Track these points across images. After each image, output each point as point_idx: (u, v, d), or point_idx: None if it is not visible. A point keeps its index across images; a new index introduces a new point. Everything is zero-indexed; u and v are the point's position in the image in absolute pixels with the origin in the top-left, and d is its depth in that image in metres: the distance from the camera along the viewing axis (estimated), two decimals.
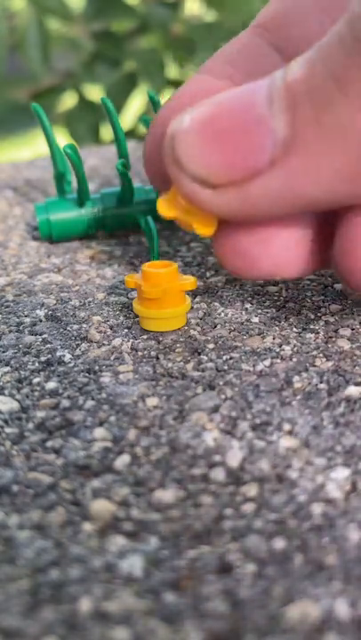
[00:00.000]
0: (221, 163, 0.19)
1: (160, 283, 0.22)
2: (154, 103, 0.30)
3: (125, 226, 0.31)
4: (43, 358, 0.22)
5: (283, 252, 0.20)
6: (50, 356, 0.22)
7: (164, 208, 0.21)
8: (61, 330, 0.23)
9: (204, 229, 0.20)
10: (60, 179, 0.31)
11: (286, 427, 0.19)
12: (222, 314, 0.24)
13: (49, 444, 0.18)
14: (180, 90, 0.24)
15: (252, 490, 0.17)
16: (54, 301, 0.25)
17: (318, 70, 0.17)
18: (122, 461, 0.18)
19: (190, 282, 0.23)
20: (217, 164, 0.19)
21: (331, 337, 0.22)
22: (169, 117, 0.21)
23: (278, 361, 0.21)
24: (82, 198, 0.30)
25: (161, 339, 0.23)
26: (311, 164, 0.18)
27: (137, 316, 0.24)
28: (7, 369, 0.21)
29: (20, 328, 0.24)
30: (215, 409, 0.19)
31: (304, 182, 0.18)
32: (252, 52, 0.24)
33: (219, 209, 0.19)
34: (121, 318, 0.24)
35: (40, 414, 0.19)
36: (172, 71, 0.89)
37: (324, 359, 0.21)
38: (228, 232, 0.20)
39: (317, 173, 0.18)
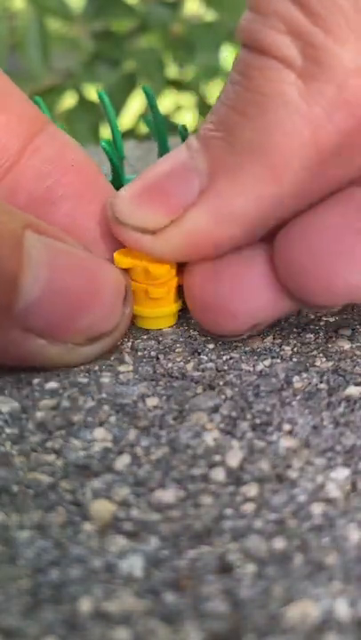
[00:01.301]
0: (154, 208, 0.21)
1: (166, 281, 0.22)
2: (149, 97, 0.30)
3: None
4: None
5: (254, 290, 0.21)
6: None
7: (119, 260, 0.22)
8: None
9: (159, 269, 0.22)
10: None
11: (286, 427, 0.19)
12: None
13: (49, 444, 0.18)
14: None
15: (252, 490, 0.17)
16: None
17: (220, 109, 0.20)
18: (122, 461, 0.18)
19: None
20: (151, 211, 0.21)
21: (331, 337, 0.22)
22: None
23: (278, 361, 0.21)
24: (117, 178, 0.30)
25: (161, 339, 0.23)
26: (235, 179, 0.20)
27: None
28: (7, 369, 0.21)
29: None
30: (215, 409, 0.19)
31: (234, 199, 0.20)
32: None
33: (164, 251, 0.21)
34: None
35: (40, 414, 0.19)
36: (172, 71, 0.89)
37: (324, 359, 0.21)
38: (196, 289, 0.22)
39: (243, 187, 0.20)
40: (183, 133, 0.30)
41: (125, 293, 0.21)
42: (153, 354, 0.22)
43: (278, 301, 0.21)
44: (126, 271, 0.22)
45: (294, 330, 0.23)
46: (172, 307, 0.23)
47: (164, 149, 0.31)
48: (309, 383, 0.20)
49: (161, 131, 0.30)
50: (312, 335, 0.23)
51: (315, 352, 0.22)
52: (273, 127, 0.19)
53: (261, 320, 0.21)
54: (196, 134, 0.21)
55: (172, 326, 0.23)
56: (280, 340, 0.22)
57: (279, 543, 0.15)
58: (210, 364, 0.21)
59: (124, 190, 0.21)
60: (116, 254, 0.22)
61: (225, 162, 0.20)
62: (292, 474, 0.17)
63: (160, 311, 0.23)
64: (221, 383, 0.20)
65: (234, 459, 0.18)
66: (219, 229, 0.20)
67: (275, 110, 0.19)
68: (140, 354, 0.22)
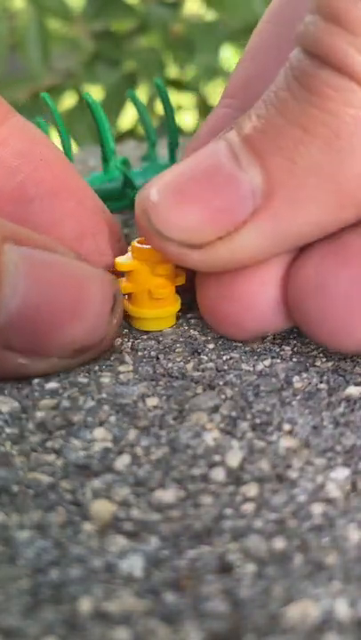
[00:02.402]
0: (204, 221, 0.19)
1: (170, 281, 0.22)
2: (161, 91, 0.30)
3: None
4: None
5: (268, 311, 0.21)
6: None
7: (121, 263, 0.22)
8: None
9: (165, 269, 0.22)
10: None
11: (286, 427, 0.19)
12: None
13: (49, 444, 0.18)
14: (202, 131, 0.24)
15: (252, 490, 0.17)
16: None
17: (275, 119, 0.18)
18: (122, 461, 0.18)
19: (181, 276, 0.23)
20: (199, 224, 0.19)
21: None
22: None
23: (278, 361, 0.21)
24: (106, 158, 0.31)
25: (161, 339, 0.23)
26: (296, 202, 0.18)
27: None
28: None
29: None
30: (215, 409, 0.19)
31: (292, 220, 0.19)
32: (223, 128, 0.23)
33: (209, 265, 0.20)
34: None
35: (40, 414, 0.19)
36: (172, 71, 0.89)
37: (324, 359, 0.21)
38: (208, 302, 0.21)
39: (304, 209, 0.18)
40: (134, 98, 0.30)
41: (114, 302, 0.20)
42: (153, 354, 0.22)
43: (290, 319, 0.21)
44: (126, 275, 0.22)
45: (294, 330, 0.23)
46: (173, 307, 0.23)
47: (174, 143, 0.31)
48: (309, 383, 0.20)
49: (171, 125, 0.31)
50: None
51: (315, 352, 0.22)
52: (346, 154, 0.17)
53: (272, 331, 0.21)
54: (237, 132, 0.19)
55: (172, 327, 0.23)
56: (280, 340, 0.22)
57: (279, 543, 0.15)
58: (210, 364, 0.21)
59: (158, 194, 0.19)
60: (117, 259, 0.22)
61: (285, 181, 0.18)
62: (292, 474, 0.17)
63: (162, 312, 0.23)
64: (221, 383, 0.20)
65: (234, 459, 0.18)
66: (270, 250, 0.19)
67: (349, 136, 0.17)
68: (140, 354, 0.22)
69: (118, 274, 0.22)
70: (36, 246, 0.20)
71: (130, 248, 0.23)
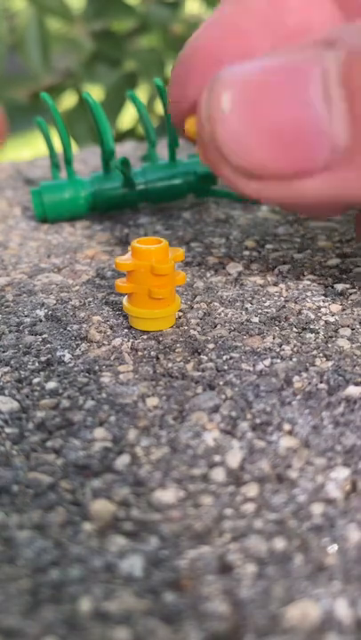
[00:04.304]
0: (270, 160, 0.17)
1: (169, 281, 0.22)
2: (161, 91, 0.30)
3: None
4: (43, 358, 0.22)
5: None
6: (50, 355, 0.22)
7: (121, 263, 0.22)
8: (61, 330, 0.23)
9: (165, 267, 0.21)
10: (69, 164, 0.32)
11: (286, 427, 0.19)
12: (222, 314, 0.24)
13: (49, 444, 0.18)
14: (213, 21, 0.21)
15: (252, 490, 0.17)
16: (54, 301, 0.25)
17: None
18: (122, 461, 0.18)
19: (181, 277, 0.23)
20: (265, 161, 0.17)
21: (331, 337, 0.22)
22: (200, 57, 0.20)
23: (278, 361, 0.21)
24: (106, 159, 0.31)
25: (161, 339, 0.23)
26: None
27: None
28: (7, 369, 0.21)
29: (20, 328, 0.24)
30: (215, 409, 0.19)
31: (357, 189, 0.17)
32: None
33: (259, 196, 0.18)
34: (121, 318, 0.24)
35: (40, 414, 0.19)
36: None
37: (324, 359, 0.21)
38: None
39: None
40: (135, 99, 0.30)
41: None
42: (153, 354, 0.22)
43: None
44: (128, 274, 0.22)
45: (294, 330, 0.23)
46: (172, 307, 0.23)
47: (174, 143, 0.32)
48: (309, 383, 0.20)
49: (171, 125, 0.31)
50: (312, 335, 0.23)
51: (315, 352, 0.22)
52: None
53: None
54: (338, 61, 0.16)
55: (172, 327, 0.23)
56: (280, 340, 0.22)
57: (279, 543, 0.15)
58: (210, 364, 0.21)
59: (233, 105, 0.17)
60: (117, 259, 0.22)
61: None
62: (292, 474, 0.17)
63: (161, 312, 0.23)
64: (221, 383, 0.20)
65: (234, 459, 0.18)
66: (328, 205, 0.18)
67: None
68: (140, 354, 0.22)
69: (118, 273, 0.22)
70: None
71: (130, 248, 0.23)
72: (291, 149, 0.17)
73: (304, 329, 0.23)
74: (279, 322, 0.23)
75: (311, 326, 0.23)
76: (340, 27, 0.18)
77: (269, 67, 0.18)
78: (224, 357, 0.22)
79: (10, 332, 0.23)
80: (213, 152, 0.18)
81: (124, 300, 0.23)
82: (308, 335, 0.23)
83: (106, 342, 0.23)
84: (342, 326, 0.23)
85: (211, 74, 0.19)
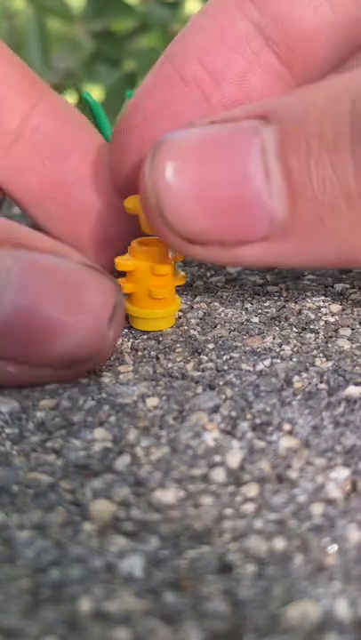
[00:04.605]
0: (211, 229, 0.18)
1: (170, 281, 0.22)
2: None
3: None
4: None
5: None
6: None
7: (121, 263, 0.22)
8: None
9: (165, 268, 0.21)
10: None
11: (286, 427, 0.19)
12: (222, 314, 0.24)
13: (49, 444, 0.18)
14: (148, 86, 0.22)
15: (252, 490, 0.17)
16: None
17: (325, 171, 0.17)
18: (122, 461, 0.18)
19: (181, 277, 0.23)
20: (206, 230, 0.18)
21: (331, 337, 0.22)
22: (139, 126, 0.21)
23: (278, 361, 0.21)
24: None
25: (161, 339, 0.23)
26: (307, 250, 0.18)
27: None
28: None
29: None
30: (215, 409, 0.19)
31: (297, 258, 0.18)
32: (231, 42, 0.21)
33: (203, 260, 0.19)
34: None
35: (40, 414, 0.19)
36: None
37: (324, 359, 0.21)
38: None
39: (312, 256, 0.18)
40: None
41: (113, 313, 0.19)
42: (153, 354, 0.22)
43: None
44: (128, 274, 0.22)
45: (294, 330, 0.23)
46: (172, 307, 0.23)
47: None
48: (309, 383, 0.20)
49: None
50: (312, 335, 0.23)
51: (315, 352, 0.22)
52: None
53: None
54: (275, 154, 0.17)
55: (172, 327, 0.23)
56: (280, 340, 0.22)
57: (279, 543, 0.15)
58: (210, 364, 0.21)
59: (175, 177, 0.18)
60: (117, 259, 0.22)
61: (306, 231, 0.17)
62: (292, 474, 0.17)
63: (162, 312, 0.23)
64: (221, 383, 0.20)
65: (234, 459, 0.18)
66: (268, 266, 0.19)
67: None
68: (140, 354, 0.22)
69: (118, 273, 0.22)
70: (36, 249, 0.18)
71: (129, 248, 0.23)
72: (231, 220, 0.18)
73: (304, 329, 0.23)
74: (279, 322, 0.23)
75: (311, 326, 0.23)
76: (275, 99, 0.19)
77: (210, 138, 0.18)
78: (224, 357, 0.22)
79: None
80: (158, 219, 0.19)
81: (124, 300, 0.23)
82: (308, 335, 0.23)
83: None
84: (342, 326, 0.23)
85: (148, 143, 0.20)
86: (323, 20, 0.20)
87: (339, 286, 0.26)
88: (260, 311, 0.24)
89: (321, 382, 0.20)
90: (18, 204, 0.23)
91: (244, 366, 0.21)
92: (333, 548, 0.15)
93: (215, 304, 0.25)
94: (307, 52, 0.20)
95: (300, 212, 0.17)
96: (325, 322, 0.23)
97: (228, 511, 0.16)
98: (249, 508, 0.16)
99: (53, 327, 0.18)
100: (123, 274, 0.23)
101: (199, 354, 0.22)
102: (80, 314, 0.18)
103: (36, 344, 0.18)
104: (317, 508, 0.16)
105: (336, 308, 0.24)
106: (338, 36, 0.20)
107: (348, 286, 0.26)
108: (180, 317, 0.24)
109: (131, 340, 0.23)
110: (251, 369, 0.21)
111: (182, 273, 0.23)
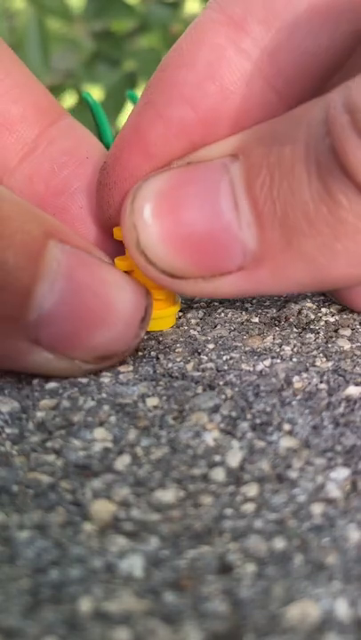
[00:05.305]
0: (188, 265, 0.19)
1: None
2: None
3: None
4: None
5: None
6: None
7: (120, 263, 0.22)
8: None
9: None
10: None
11: (286, 427, 0.19)
12: (222, 314, 0.24)
13: (49, 444, 0.18)
14: (130, 136, 0.21)
15: (252, 490, 0.17)
16: None
17: (286, 196, 0.18)
18: (122, 461, 0.18)
19: None
20: (183, 266, 0.19)
21: (331, 337, 0.22)
22: (119, 182, 0.21)
23: (278, 361, 0.21)
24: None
25: (161, 339, 0.23)
26: (280, 275, 0.19)
27: None
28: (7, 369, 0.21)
29: None
30: (215, 409, 0.19)
31: (272, 286, 0.19)
32: (223, 80, 0.20)
33: (183, 293, 0.20)
34: None
35: (40, 414, 0.19)
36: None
37: (324, 359, 0.21)
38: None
39: (285, 281, 0.19)
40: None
41: (144, 315, 0.20)
42: (153, 354, 0.22)
43: None
44: (129, 273, 0.22)
45: (294, 330, 0.23)
46: (173, 307, 0.23)
47: None
48: (309, 383, 0.20)
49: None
50: (312, 335, 0.23)
51: (315, 352, 0.22)
52: (340, 256, 0.18)
53: None
54: (242, 187, 0.18)
55: (172, 327, 0.23)
56: (280, 340, 0.22)
57: (279, 543, 0.15)
58: (210, 364, 0.21)
59: (153, 217, 0.19)
60: (117, 260, 0.22)
61: (277, 257, 0.18)
62: (292, 474, 0.17)
63: (162, 312, 0.23)
64: (221, 383, 0.20)
65: (234, 459, 0.18)
66: (248, 294, 0.20)
67: (348, 243, 0.18)
68: (140, 354, 0.22)
69: None
70: (77, 246, 0.20)
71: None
72: (206, 255, 0.19)
73: (304, 329, 0.23)
74: (279, 322, 0.23)
75: (311, 326, 0.23)
76: (244, 133, 0.19)
77: (184, 178, 0.19)
78: (224, 357, 0.22)
79: None
80: (139, 256, 0.19)
81: None
82: (308, 335, 0.23)
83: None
84: (342, 326, 0.23)
85: (131, 181, 0.21)
86: (320, 45, 0.20)
87: None
88: (260, 311, 0.24)
89: (321, 382, 0.20)
90: None
91: (244, 366, 0.21)
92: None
93: (215, 304, 0.25)
94: (304, 81, 0.20)
95: (268, 240, 0.18)
96: (325, 322, 0.23)
97: (228, 511, 0.16)
98: (249, 507, 0.16)
99: (94, 320, 0.19)
100: None
101: (199, 354, 0.22)
102: (116, 311, 0.20)
103: (74, 335, 0.19)
104: (317, 508, 0.16)
105: (336, 307, 0.24)
106: (333, 60, 0.20)
107: None
108: (180, 317, 0.24)
109: None
110: (251, 369, 0.21)
111: None
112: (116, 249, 0.23)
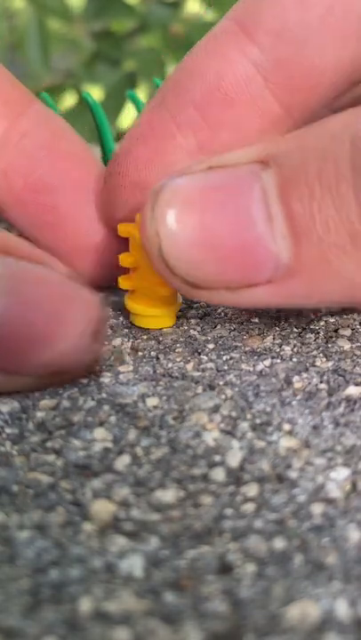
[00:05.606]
0: (215, 274, 0.18)
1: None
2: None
3: None
4: None
5: None
6: None
7: (124, 259, 0.22)
8: None
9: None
10: None
11: (286, 427, 0.19)
12: (222, 314, 0.24)
13: (49, 444, 0.18)
14: (140, 132, 0.22)
15: (252, 490, 0.17)
16: None
17: (328, 212, 0.17)
18: (122, 461, 0.18)
19: None
20: (210, 275, 0.18)
21: (331, 337, 0.22)
22: (130, 174, 0.21)
23: (278, 361, 0.21)
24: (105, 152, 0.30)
25: (161, 339, 0.23)
26: (312, 291, 0.18)
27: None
28: None
29: None
30: (215, 409, 0.19)
31: (302, 299, 0.18)
32: (229, 87, 0.21)
33: (209, 302, 0.20)
34: (121, 318, 0.24)
35: (40, 414, 0.19)
36: (172, 71, 0.89)
37: (324, 359, 0.21)
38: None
39: (317, 297, 0.18)
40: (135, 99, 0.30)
41: (97, 328, 0.19)
42: (153, 354, 0.22)
43: None
44: (131, 271, 0.23)
45: (294, 330, 0.23)
46: (174, 305, 0.23)
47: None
48: (309, 383, 0.20)
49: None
50: (312, 335, 0.23)
51: (315, 352, 0.22)
52: None
53: None
54: (277, 198, 0.17)
55: (172, 326, 0.23)
56: (280, 340, 0.22)
57: (279, 543, 0.15)
58: (210, 364, 0.21)
59: (177, 223, 0.18)
60: (121, 256, 0.22)
61: (311, 273, 0.17)
62: (292, 474, 0.17)
63: (162, 310, 0.23)
64: (221, 383, 0.20)
65: (234, 459, 0.18)
66: (274, 306, 0.20)
67: None
68: (140, 354, 0.22)
69: (121, 269, 0.23)
70: (23, 257, 0.19)
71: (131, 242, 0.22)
72: (236, 265, 0.18)
73: (304, 329, 0.23)
74: (279, 322, 0.23)
75: (311, 326, 0.23)
76: (273, 142, 0.19)
77: (210, 184, 0.18)
78: (224, 357, 0.22)
79: None
80: (161, 265, 0.19)
81: (126, 296, 0.23)
82: (308, 335, 0.23)
83: (106, 342, 0.23)
84: (342, 326, 0.23)
85: (139, 190, 0.21)
86: (328, 61, 0.20)
87: None
88: (260, 311, 0.24)
89: (321, 382, 0.20)
90: (1, 211, 0.23)
91: (244, 366, 0.21)
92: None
93: None
94: (309, 94, 0.20)
95: (305, 254, 0.17)
96: (325, 322, 0.23)
97: (228, 511, 0.16)
98: (249, 507, 0.16)
99: (40, 336, 0.18)
100: (125, 270, 0.23)
101: (199, 354, 0.22)
102: (66, 325, 0.18)
103: (19, 353, 0.18)
104: (317, 508, 0.16)
105: (336, 308, 0.24)
106: (340, 76, 0.20)
107: None
108: (180, 317, 0.24)
109: (131, 340, 0.23)
110: (251, 369, 0.21)
111: None
112: (119, 245, 0.23)
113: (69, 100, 0.87)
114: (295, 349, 0.22)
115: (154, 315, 0.23)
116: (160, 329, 0.23)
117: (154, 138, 0.21)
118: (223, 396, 0.20)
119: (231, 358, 0.22)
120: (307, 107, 0.21)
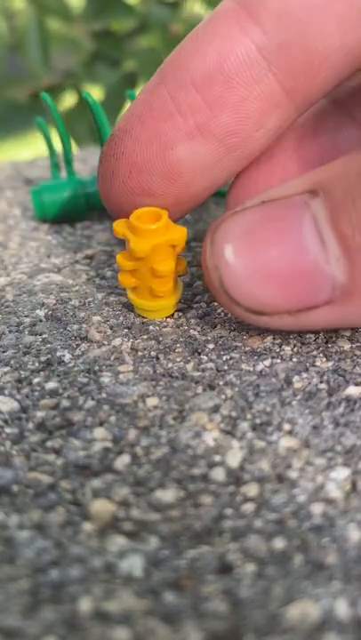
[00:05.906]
0: (275, 301, 0.19)
1: (170, 279, 0.23)
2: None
3: None
4: (43, 358, 0.22)
5: None
6: (50, 356, 0.22)
7: (123, 262, 0.22)
8: (61, 330, 0.23)
9: (165, 268, 0.22)
10: (69, 164, 0.32)
11: (286, 427, 0.19)
12: (222, 314, 0.24)
13: (49, 444, 0.18)
14: (139, 111, 0.22)
15: (252, 490, 0.17)
16: (54, 301, 0.25)
17: None
18: (122, 461, 0.18)
19: (182, 266, 0.23)
20: (270, 302, 0.19)
21: (331, 337, 0.22)
22: (128, 154, 0.21)
23: (278, 361, 0.21)
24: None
25: (161, 339, 0.23)
26: None
27: (137, 316, 0.24)
28: (7, 369, 0.21)
29: (20, 328, 0.24)
30: (215, 409, 0.19)
31: (360, 317, 0.19)
32: (231, 69, 0.20)
33: (272, 328, 0.20)
34: (121, 318, 0.24)
35: (40, 414, 0.19)
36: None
37: (324, 359, 0.21)
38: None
39: None
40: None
41: None
42: (153, 354, 0.22)
43: None
44: (133, 273, 0.23)
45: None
46: (172, 299, 0.23)
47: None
48: (309, 383, 0.20)
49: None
50: (312, 335, 0.23)
51: (315, 352, 0.22)
52: None
53: None
54: (327, 223, 0.18)
55: (172, 315, 0.24)
56: (280, 340, 0.22)
57: (279, 543, 0.15)
58: (210, 364, 0.21)
59: (235, 257, 0.19)
60: (118, 256, 0.22)
61: None
62: (292, 474, 0.17)
63: (162, 304, 0.23)
64: (221, 383, 0.20)
65: (234, 459, 0.18)
66: (334, 327, 0.20)
67: None
68: (140, 354, 0.22)
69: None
70: None
71: (130, 223, 0.22)
72: (293, 291, 0.19)
73: None
74: None
75: None
76: (321, 170, 0.19)
77: (263, 216, 0.19)
78: (224, 357, 0.22)
79: (10, 331, 0.23)
80: (223, 295, 0.19)
81: (129, 290, 0.24)
82: (308, 335, 0.23)
83: (106, 342, 0.23)
84: None
85: (137, 170, 0.21)
86: (331, 46, 0.20)
87: None
88: None
89: (321, 382, 0.20)
90: None
91: (244, 366, 0.21)
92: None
93: (215, 304, 0.25)
94: (311, 79, 0.20)
95: (359, 274, 0.18)
96: None
97: (228, 511, 0.16)
98: (249, 507, 0.16)
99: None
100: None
101: (199, 354, 0.22)
102: None
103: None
104: (317, 508, 0.16)
105: None
106: (342, 62, 0.20)
107: None
108: (180, 317, 0.24)
109: (131, 340, 0.23)
110: (251, 369, 0.21)
111: (184, 261, 0.23)
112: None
113: (69, 100, 0.87)
114: (295, 349, 0.22)
115: (157, 309, 0.23)
116: (160, 329, 0.23)
117: (153, 118, 0.21)
118: (223, 396, 0.20)
119: (231, 358, 0.22)
120: (309, 91, 0.21)
